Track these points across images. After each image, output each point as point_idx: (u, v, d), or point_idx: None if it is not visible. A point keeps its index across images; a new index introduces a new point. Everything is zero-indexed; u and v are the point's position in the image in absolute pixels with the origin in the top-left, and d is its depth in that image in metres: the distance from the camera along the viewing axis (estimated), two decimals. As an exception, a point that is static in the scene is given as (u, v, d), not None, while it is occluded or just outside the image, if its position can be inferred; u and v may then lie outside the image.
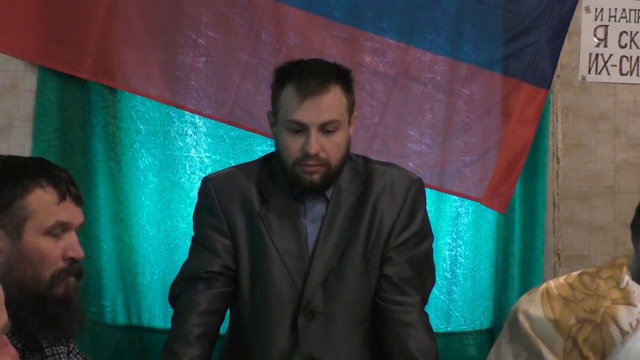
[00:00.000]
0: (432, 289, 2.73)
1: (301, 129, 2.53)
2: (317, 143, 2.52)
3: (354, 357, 2.66)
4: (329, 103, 2.53)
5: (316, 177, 2.55)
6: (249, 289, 2.64)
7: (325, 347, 2.62)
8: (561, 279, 1.64)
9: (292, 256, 2.61)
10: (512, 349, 1.62)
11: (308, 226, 2.63)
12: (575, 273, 1.65)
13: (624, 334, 1.55)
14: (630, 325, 1.56)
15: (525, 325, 1.60)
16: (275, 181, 2.64)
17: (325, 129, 2.53)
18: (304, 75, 2.54)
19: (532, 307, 1.61)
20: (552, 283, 1.63)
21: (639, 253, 2.82)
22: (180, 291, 2.64)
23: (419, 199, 2.68)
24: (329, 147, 2.54)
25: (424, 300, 2.67)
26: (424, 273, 2.67)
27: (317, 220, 2.63)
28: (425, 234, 2.68)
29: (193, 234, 2.72)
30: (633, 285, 1.61)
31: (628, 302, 1.57)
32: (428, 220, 2.71)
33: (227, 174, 2.71)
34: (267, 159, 2.72)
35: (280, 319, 2.62)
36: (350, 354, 2.65)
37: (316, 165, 2.54)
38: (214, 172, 2.85)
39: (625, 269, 1.63)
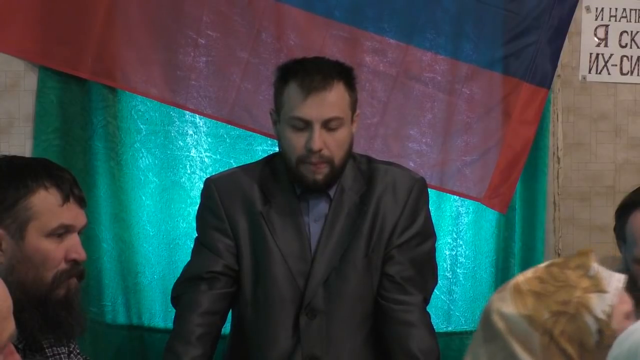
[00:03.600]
0: (434, 289, 2.74)
1: (304, 125, 2.54)
2: (320, 139, 2.52)
3: (356, 356, 2.67)
4: (332, 100, 2.54)
5: (320, 176, 2.56)
6: (251, 289, 2.64)
7: (326, 346, 2.62)
8: (529, 273, 1.63)
9: (294, 256, 2.61)
10: (487, 351, 1.61)
11: (311, 225, 2.64)
12: (542, 265, 1.65)
13: (598, 321, 1.55)
14: (604, 312, 1.56)
15: (500, 325, 1.60)
16: (278, 181, 2.64)
17: (329, 125, 2.54)
18: (307, 72, 2.54)
19: (504, 305, 1.60)
20: (520, 278, 1.63)
21: (623, 255, 2.83)
22: (183, 291, 2.64)
23: (422, 199, 2.69)
24: (332, 144, 2.54)
25: (426, 300, 2.68)
26: (426, 273, 2.68)
27: (319, 219, 2.63)
28: (427, 233, 2.68)
29: (196, 234, 2.72)
30: (602, 271, 1.61)
31: (599, 289, 1.58)
32: (431, 220, 2.71)
33: (229, 174, 2.72)
34: (270, 159, 2.72)
35: (282, 318, 2.62)
36: (352, 353, 2.66)
37: (320, 163, 2.54)
38: (216, 173, 2.86)
39: (591, 256, 1.63)
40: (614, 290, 1.58)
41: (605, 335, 1.55)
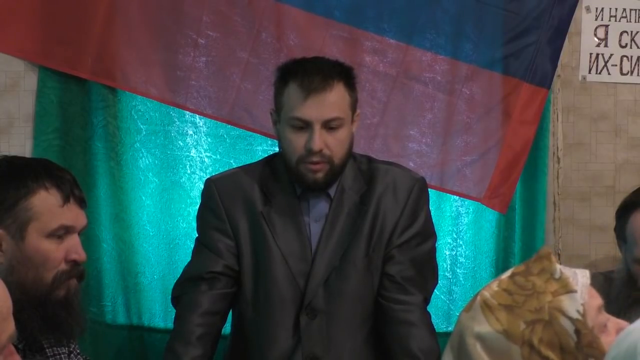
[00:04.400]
0: (434, 288, 2.74)
1: (304, 126, 2.54)
2: (320, 140, 2.53)
3: (356, 355, 2.67)
4: (332, 100, 2.55)
5: (320, 175, 2.56)
6: (252, 289, 2.64)
7: (327, 345, 2.63)
8: (494, 287, 1.61)
9: (295, 256, 2.61)
10: None
11: (311, 225, 2.64)
12: (505, 276, 1.63)
13: (574, 322, 1.55)
14: (578, 312, 1.55)
15: (476, 347, 1.58)
16: (278, 181, 2.65)
17: (329, 125, 2.54)
18: (307, 72, 2.55)
19: (477, 324, 1.58)
20: (486, 294, 1.60)
21: (624, 255, 2.83)
22: (183, 292, 2.65)
23: (422, 199, 2.69)
24: (332, 144, 2.55)
25: (426, 300, 2.68)
26: (426, 272, 2.68)
27: (320, 219, 2.64)
28: (428, 233, 2.69)
29: (196, 234, 2.73)
30: (565, 270, 1.61)
31: (568, 290, 1.57)
32: (431, 220, 2.72)
33: (230, 175, 2.72)
34: (270, 159, 2.73)
35: (282, 318, 2.63)
36: (352, 352, 2.66)
37: (320, 163, 2.55)
38: (216, 173, 2.86)
39: (552, 258, 1.62)
40: (581, 287, 1.58)
41: (583, 334, 1.55)
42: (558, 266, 1.60)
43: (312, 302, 2.61)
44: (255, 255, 2.64)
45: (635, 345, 1.32)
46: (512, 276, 1.60)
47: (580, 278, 1.59)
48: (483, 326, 1.56)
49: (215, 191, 2.67)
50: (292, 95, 2.56)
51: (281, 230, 2.62)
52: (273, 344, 2.63)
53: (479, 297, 1.59)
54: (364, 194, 2.65)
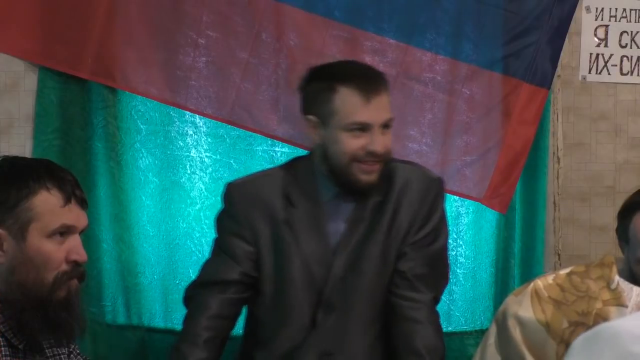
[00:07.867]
0: (445, 288, 2.73)
1: (364, 129, 2.54)
2: (383, 142, 2.54)
3: (369, 351, 2.67)
4: (386, 102, 2.58)
5: (374, 176, 2.58)
6: (271, 294, 2.65)
7: (341, 342, 2.63)
8: (549, 279, 1.61)
9: (316, 261, 2.62)
10: (500, 354, 1.60)
11: (333, 227, 2.64)
12: (563, 272, 1.63)
13: None
14: None
15: (515, 331, 1.59)
16: (300, 186, 2.64)
17: (385, 126, 2.56)
18: (364, 76, 2.56)
19: (521, 309, 1.59)
20: (540, 284, 1.61)
21: (626, 256, 2.83)
22: (195, 292, 2.65)
23: (438, 198, 2.69)
24: (387, 145, 2.57)
25: (436, 299, 2.68)
26: (437, 271, 2.68)
27: (342, 221, 2.64)
28: (440, 231, 2.69)
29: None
30: (623, 284, 1.60)
31: (619, 303, 1.56)
32: (445, 219, 2.71)
33: (251, 180, 2.71)
34: (291, 164, 2.71)
35: (299, 318, 2.63)
36: (365, 348, 2.66)
37: (376, 164, 2.56)
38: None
39: (614, 268, 1.61)
40: (633, 305, 1.57)
41: None
42: (617, 277, 1.59)
43: (329, 299, 2.62)
44: (277, 261, 2.64)
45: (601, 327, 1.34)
46: (569, 274, 1.60)
47: (635, 296, 1.58)
48: (527, 312, 1.57)
49: (236, 196, 2.67)
50: (348, 100, 2.53)
51: (303, 237, 2.62)
52: (287, 339, 2.63)
53: (531, 284, 1.60)
54: (384, 193, 2.66)
